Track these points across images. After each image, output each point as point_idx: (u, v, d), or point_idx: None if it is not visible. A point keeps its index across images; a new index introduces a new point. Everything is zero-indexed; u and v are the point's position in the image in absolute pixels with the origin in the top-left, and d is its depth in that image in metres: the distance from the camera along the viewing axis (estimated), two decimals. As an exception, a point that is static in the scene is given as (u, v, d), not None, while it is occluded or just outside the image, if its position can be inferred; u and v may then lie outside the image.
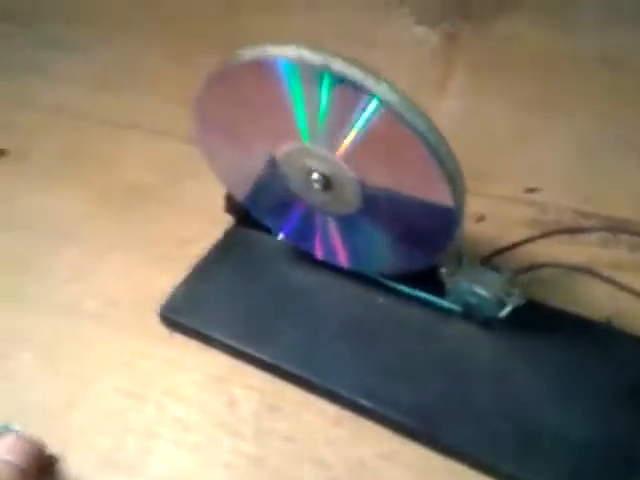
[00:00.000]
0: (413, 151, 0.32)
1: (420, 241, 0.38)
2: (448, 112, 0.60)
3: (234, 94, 0.35)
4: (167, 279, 0.45)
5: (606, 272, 0.43)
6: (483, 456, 0.35)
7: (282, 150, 0.36)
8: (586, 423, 0.36)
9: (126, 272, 0.48)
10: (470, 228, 0.49)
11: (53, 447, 0.38)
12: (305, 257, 0.44)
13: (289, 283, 0.44)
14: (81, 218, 0.52)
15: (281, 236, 0.44)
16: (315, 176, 0.35)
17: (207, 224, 0.48)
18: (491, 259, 0.43)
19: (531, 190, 0.52)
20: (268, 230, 0.45)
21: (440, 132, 0.33)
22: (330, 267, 0.44)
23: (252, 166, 0.39)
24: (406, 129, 0.31)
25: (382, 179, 0.35)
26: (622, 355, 0.39)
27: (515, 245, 0.44)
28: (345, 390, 0.38)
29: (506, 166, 0.54)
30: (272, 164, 0.38)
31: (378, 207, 0.36)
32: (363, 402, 0.38)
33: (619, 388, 0.37)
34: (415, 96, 0.48)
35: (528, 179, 0.52)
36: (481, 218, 0.50)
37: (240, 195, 0.44)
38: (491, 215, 0.50)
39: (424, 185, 0.34)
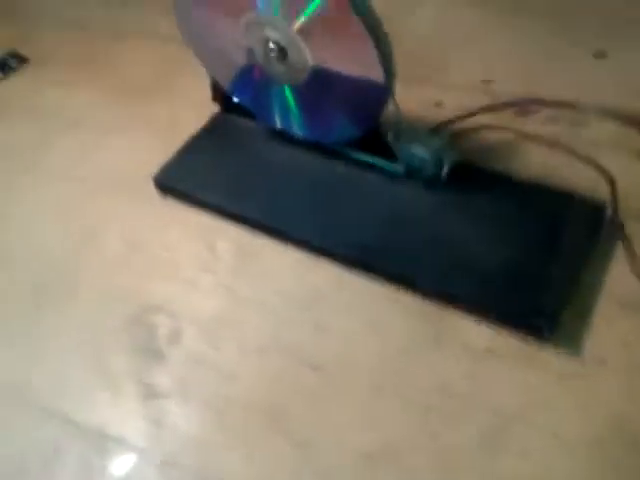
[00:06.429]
0: (357, 34, 0.39)
1: (360, 107, 0.45)
2: (423, 16, 0.65)
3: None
4: (162, 156, 0.52)
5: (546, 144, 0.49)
6: (416, 280, 0.42)
7: (244, 21, 0.42)
8: (510, 254, 0.42)
9: (127, 151, 0.56)
10: (429, 112, 0.55)
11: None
12: (278, 136, 0.51)
13: (263, 157, 0.51)
14: (91, 108, 0.61)
15: (235, 99, 0.51)
16: (272, 45, 0.42)
17: (198, 112, 0.55)
18: (437, 130, 0.50)
19: (487, 82, 0.58)
20: (249, 115, 0.52)
21: (382, 26, 0.40)
22: (299, 144, 0.51)
23: (224, 44, 0.46)
24: (353, 15, 0.38)
25: (329, 53, 0.41)
26: (545, 206, 0.45)
27: (462, 117, 0.50)
28: (303, 234, 0.46)
29: (466, 61, 0.59)
30: (238, 38, 0.44)
31: (324, 78, 0.43)
32: (318, 243, 0.45)
33: (544, 230, 0.44)
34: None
35: (485, 72, 0.58)
36: (439, 104, 0.56)
37: (221, 79, 0.51)
38: (448, 102, 0.56)
39: (363, 63, 0.41)
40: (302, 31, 0.41)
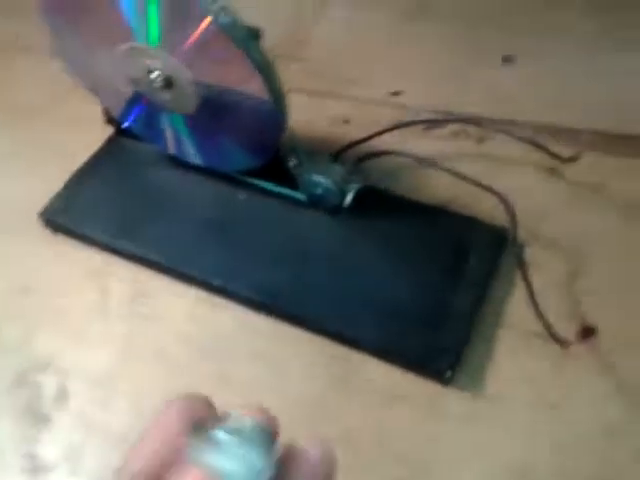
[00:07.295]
0: (236, 59, 0.36)
1: (255, 137, 0.42)
2: (328, 22, 0.63)
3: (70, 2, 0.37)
4: (54, 185, 0.48)
5: (451, 163, 0.47)
6: (317, 321, 0.41)
7: (122, 51, 0.39)
8: (411, 288, 0.41)
9: (15, 182, 0.51)
10: (335, 130, 0.53)
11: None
12: (176, 163, 0.48)
13: (159, 186, 0.48)
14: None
15: (126, 124, 0.47)
16: (154, 75, 0.39)
17: (94, 134, 0.51)
18: (342, 153, 0.48)
19: (395, 93, 0.56)
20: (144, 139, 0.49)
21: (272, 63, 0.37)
22: (198, 170, 0.48)
23: (106, 73, 0.42)
24: (231, 42, 0.35)
25: (213, 78, 0.39)
26: (452, 232, 0.44)
27: (367, 139, 0.48)
28: (203, 273, 0.43)
29: (374, 72, 0.57)
30: (118, 67, 0.41)
31: (214, 106, 0.40)
32: (219, 282, 0.43)
33: (445, 260, 0.43)
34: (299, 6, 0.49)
35: (393, 83, 0.56)
36: (346, 121, 0.54)
37: (110, 107, 0.47)
38: (356, 118, 0.54)
39: (253, 94, 0.38)
40: (185, 60, 0.38)
